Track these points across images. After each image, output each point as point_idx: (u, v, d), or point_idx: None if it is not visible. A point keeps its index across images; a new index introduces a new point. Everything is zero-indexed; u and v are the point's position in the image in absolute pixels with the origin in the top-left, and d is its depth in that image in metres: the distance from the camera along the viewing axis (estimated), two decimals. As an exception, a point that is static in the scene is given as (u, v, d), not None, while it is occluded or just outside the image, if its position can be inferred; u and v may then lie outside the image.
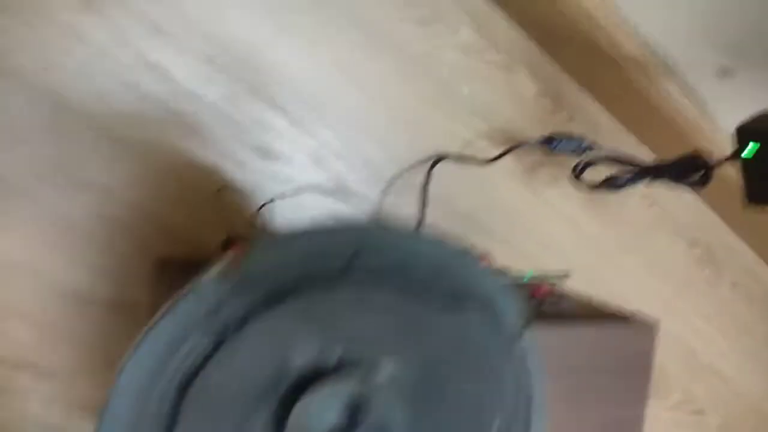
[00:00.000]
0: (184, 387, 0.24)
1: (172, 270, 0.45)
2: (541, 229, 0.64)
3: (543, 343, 0.39)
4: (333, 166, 0.54)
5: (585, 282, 0.67)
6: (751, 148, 0.45)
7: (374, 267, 0.26)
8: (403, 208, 0.57)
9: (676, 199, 0.71)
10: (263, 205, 0.48)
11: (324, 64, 0.52)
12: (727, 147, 0.46)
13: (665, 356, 0.74)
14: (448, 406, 0.30)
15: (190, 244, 0.49)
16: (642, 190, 0.69)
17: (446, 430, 0.30)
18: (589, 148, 0.54)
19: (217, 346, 0.24)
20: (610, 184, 0.53)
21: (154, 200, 0.47)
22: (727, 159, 0.48)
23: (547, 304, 0.46)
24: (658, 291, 0.73)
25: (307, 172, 0.53)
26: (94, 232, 0.46)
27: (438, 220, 0.59)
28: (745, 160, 0.46)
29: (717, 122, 0.59)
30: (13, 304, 0.45)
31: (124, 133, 0.47)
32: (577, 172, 0.55)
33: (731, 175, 0.64)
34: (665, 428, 0.75)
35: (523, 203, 0.62)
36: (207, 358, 0.24)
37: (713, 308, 0.77)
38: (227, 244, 0.43)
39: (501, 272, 0.29)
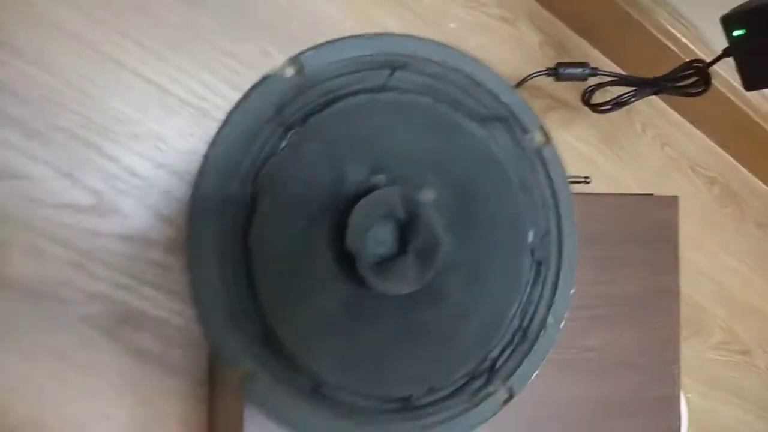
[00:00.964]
0: (260, 174, 0.28)
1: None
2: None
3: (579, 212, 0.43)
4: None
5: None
6: (737, 34, 0.49)
7: (409, 83, 0.31)
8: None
9: (686, 139, 0.75)
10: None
11: (338, 15, 0.58)
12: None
13: (701, 295, 0.75)
14: (484, 224, 0.33)
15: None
16: (653, 131, 0.73)
17: (486, 245, 0.33)
18: (593, 72, 0.58)
19: (284, 139, 0.28)
20: (617, 101, 0.58)
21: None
22: (720, 56, 0.52)
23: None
24: (684, 229, 0.75)
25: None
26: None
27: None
28: (735, 48, 0.50)
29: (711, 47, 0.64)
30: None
31: None
32: (587, 97, 0.59)
33: (741, 114, 0.68)
34: (714, 368, 0.76)
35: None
36: (279, 149, 0.28)
37: (742, 246, 0.79)
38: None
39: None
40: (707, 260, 0.76)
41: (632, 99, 0.57)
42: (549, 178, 0.33)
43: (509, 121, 0.33)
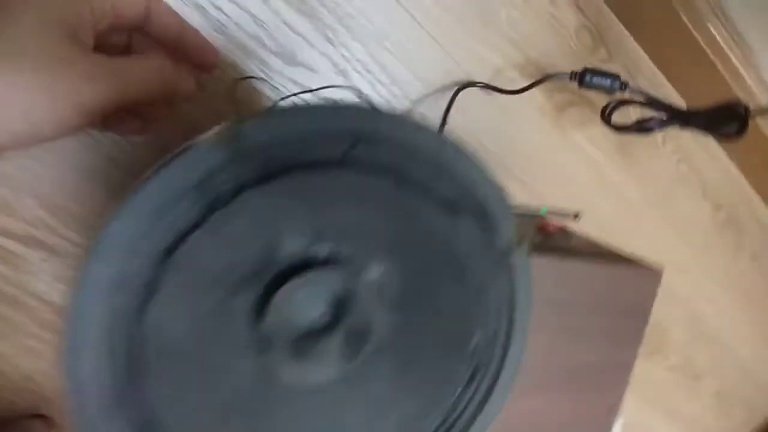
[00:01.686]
0: (170, 252, 0.24)
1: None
2: (563, 171, 0.63)
3: (543, 275, 0.39)
4: (357, 80, 0.53)
5: (601, 231, 0.66)
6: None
7: (373, 159, 0.26)
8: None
9: (707, 160, 0.69)
10: (279, 100, 0.47)
11: None
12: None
13: (671, 317, 0.73)
14: (430, 315, 0.30)
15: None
16: (674, 145, 0.67)
17: (426, 337, 0.30)
18: (623, 87, 0.51)
19: (206, 215, 0.24)
20: (639, 126, 0.52)
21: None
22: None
23: (555, 239, 0.45)
24: (674, 250, 0.71)
25: (329, 82, 0.52)
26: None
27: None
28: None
29: (762, 74, 0.56)
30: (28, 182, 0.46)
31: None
32: (608, 112, 0.53)
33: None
34: (660, 387, 0.76)
35: (547, 142, 0.61)
36: (195, 226, 0.24)
37: (729, 277, 0.76)
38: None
39: (505, 192, 0.28)
40: (688, 285, 0.73)
41: (657, 129, 0.51)
42: (511, 282, 0.30)
43: (480, 216, 0.28)
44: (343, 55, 0.52)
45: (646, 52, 0.61)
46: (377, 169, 0.26)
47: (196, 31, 0.39)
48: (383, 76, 0.53)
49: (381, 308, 0.29)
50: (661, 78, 0.63)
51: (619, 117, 0.54)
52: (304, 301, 0.29)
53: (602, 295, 0.41)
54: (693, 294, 0.74)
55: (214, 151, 0.23)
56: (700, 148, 0.68)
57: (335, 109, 0.24)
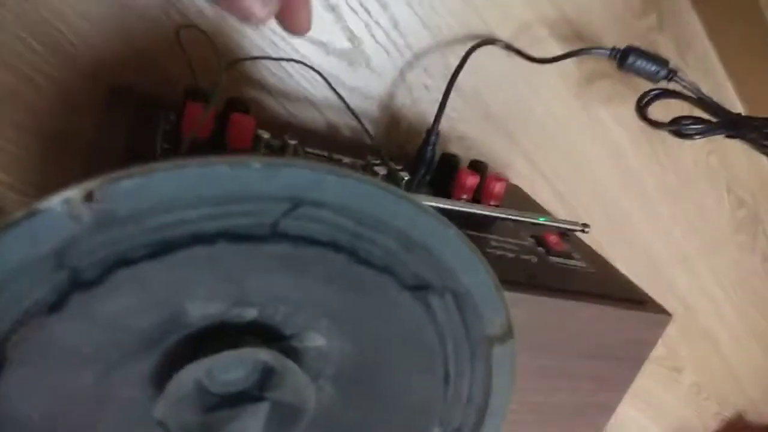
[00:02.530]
0: (12, 331, 0.17)
1: (126, 99, 0.37)
2: (578, 150, 0.54)
3: (535, 316, 0.33)
4: (351, 21, 0.43)
5: (610, 218, 0.59)
6: None
7: (316, 232, 0.18)
8: (427, 93, 0.47)
9: (742, 155, 0.60)
10: (240, 60, 0.38)
11: None
12: None
13: (663, 311, 0.68)
14: (381, 399, 0.24)
15: (148, 76, 0.40)
16: (710, 132, 0.58)
17: (373, 425, 0.24)
18: (669, 76, 0.42)
19: (64, 296, 0.17)
20: (677, 129, 0.43)
21: (111, 31, 0.38)
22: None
23: (556, 254, 0.38)
24: (683, 243, 0.65)
25: (316, 22, 0.42)
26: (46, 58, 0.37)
27: (462, 115, 0.49)
28: None
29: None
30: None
31: None
32: (645, 101, 0.44)
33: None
34: (639, 377, 0.72)
35: (566, 116, 0.52)
36: (51, 309, 0.17)
37: (733, 276, 0.70)
38: (190, 94, 0.34)
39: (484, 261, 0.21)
40: (689, 281, 0.67)
41: (697, 135, 0.43)
42: (488, 376, 0.23)
43: (460, 298, 0.21)
44: (335, -13, 0.42)
45: (705, 27, 0.51)
46: (323, 244, 0.19)
47: None
48: (383, 18, 0.44)
49: (321, 383, 0.23)
50: (714, 61, 0.53)
51: (658, 109, 0.45)
52: (221, 369, 0.23)
53: (598, 339, 0.35)
54: (691, 288, 0.68)
55: (70, 220, 0.15)
56: (739, 145, 0.59)
57: (264, 170, 0.16)
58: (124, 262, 0.17)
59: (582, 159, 0.55)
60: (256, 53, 0.41)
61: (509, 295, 0.32)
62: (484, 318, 0.22)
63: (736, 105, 0.57)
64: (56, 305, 0.17)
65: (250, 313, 0.21)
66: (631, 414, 0.76)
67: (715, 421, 0.83)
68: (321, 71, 0.43)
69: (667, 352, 0.72)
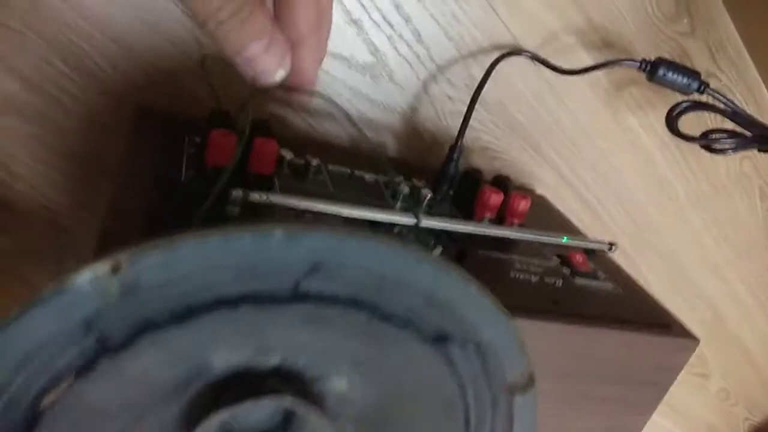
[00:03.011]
0: (44, 392, 0.18)
1: (153, 120, 0.38)
2: (606, 158, 0.53)
3: (560, 341, 0.33)
4: (373, 35, 0.42)
5: (638, 226, 0.58)
6: None
7: (337, 291, 0.18)
8: (450, 104, 0.47)
9: (779, 161, 0.58)
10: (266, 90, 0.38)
11: None
12: None
13: (692, 316, 0.67)
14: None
15: (175, 97, 0.40)
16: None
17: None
18: (701, 89, 0.41)
19: (92, 360, 0.17)
20: (709, 143, 0.42)
21: (140, 53, 0.38)
22: None
23: (581, 275, 0.37)
24: (714, 250, 0.63)
25: (338, 36, 0.42)
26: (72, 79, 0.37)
27: (486, 126, 0.48)
28: None
29: None
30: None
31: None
32: (676, 113, 0.43)
33: None
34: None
35: (594, 124, 0.51)
36: (79, 372, 0.17)
37: (765, 283, 0.68)
38: (213, 121, 0.34)
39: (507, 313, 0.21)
40: (719, 288, 0.66)
41: (730, 149, 0.41)
42: (510, 425, 0.23)
43: (482, 348, 0.21)
44: (358, 0, 0.41)
45: (738, 31, 0.49)
46: (344, 302, 0.19)
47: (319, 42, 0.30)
48: (406, 30, 0.43)
49: (341, 424, 0.23)
50: (748, 66, 0.52)
51: (690, 118, 0.44)
52: (244, 412, 0.23)
53: (624, 364, 0.35)
54: (721, 295, 0.67)
55: (98, 294, 0.16)
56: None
57: (286, 239, 0.16)
58: (150, 326, 0.17)
59: (610, 167, 0.54)
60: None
61: (534, 324, 0.32)
62: (506, 368, 0.22)
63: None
64: (85, 368, 0.17)
65: (273, 360, 0.21)
66: (658, 420, 0.75)
67: (744, 427, 0.81)
68: (343, 85, 0.43)
69: (695, 358, 0.71)
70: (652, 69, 0.41)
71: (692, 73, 0.41)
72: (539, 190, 0.53)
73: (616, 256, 0.58)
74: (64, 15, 0.36)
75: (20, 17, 0.36)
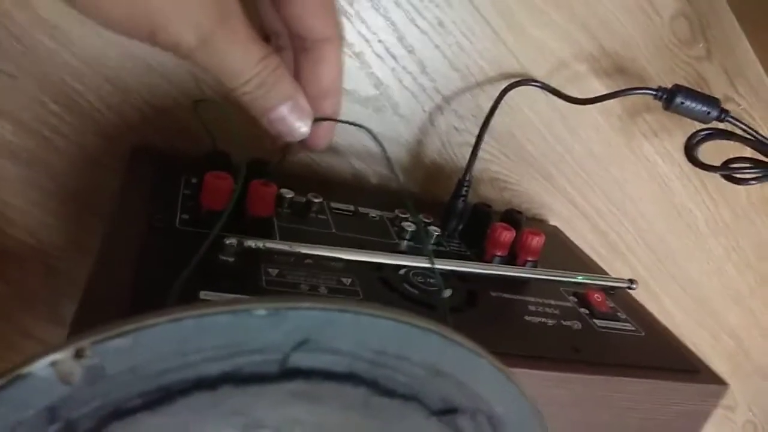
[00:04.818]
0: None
1: (148, 159, 0.36)
2: (621, 187, 0.51)
3: (581, 391, 0.30)
4: (376, 67, 0.41)
5: (657, 255, 0.56)
6: None
7: (333, 359, 0.16)
8: (458, 135, 0.45)
9: (803, 185, 0.56)
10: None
11: None
12: None
13: (715, 348, 0.64)
14: None
15: (170, 136, 0.39)
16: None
17: None
18: (721, 117, 0.39)
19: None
20: (730, 174, 0.40)
21: (134, 91, 0.37)
22: None
23: (600, 317, 0.35)
24: (737, 279, 0.61)
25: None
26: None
27: (496, 157, 0.47)
28: None
29: None
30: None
31: None
32: (694, 143, 0.41)
33: None
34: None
35: (608, 153, 0.49)
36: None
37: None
38: (209, 163, 0.32)
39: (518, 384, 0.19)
40: (742, 317, 0.63)
41: (753, 180, 0.39)
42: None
43: (494, 420, 0.19)
44: (360, 33, 0.40)
45: (757, 54, 0.47)
46: (340, 377, 0.17)
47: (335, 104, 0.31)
48: (410, 62, 0.42)
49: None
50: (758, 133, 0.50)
51: (709, 146, 0.41)
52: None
53: (648, 413, 0.32)
54: (745, 324, 0.64)
55: (60, 381, 0.14)
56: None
57: (269, 316, 0.14)
58: (120, 413, 0.15)
59: (625, 197, 0.52)
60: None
61: (553, 375, 0.30)
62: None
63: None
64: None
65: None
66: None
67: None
68: (347, 119, 0.42)
69: (720, 390, 0.68)
70: (669, 97, 0.39)
71: (711, 101, 0.39)
72: (552, 221, 0.51)
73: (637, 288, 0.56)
74: (56, 55, 0.35)
75: (13, 60, 0.35)
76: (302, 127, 0.29)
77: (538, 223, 0.49)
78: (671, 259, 0.56)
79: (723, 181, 0.52)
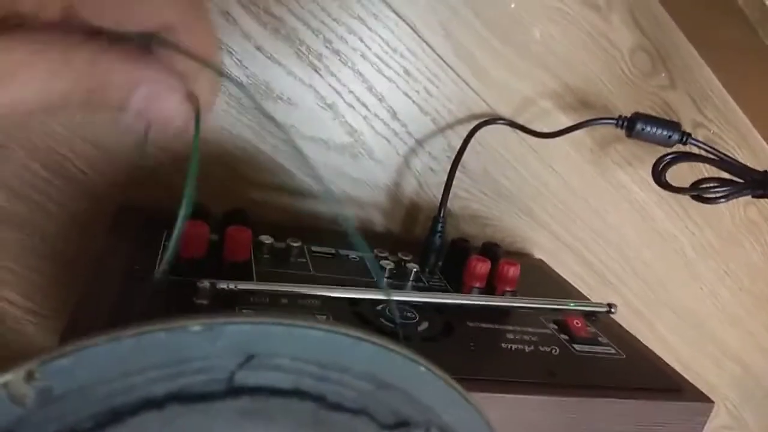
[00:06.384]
0: None
1: (134, 217, 0.38)
2: (601, 217, 0.52)
3: (559, 415, 0.30)
4: (349, 116, 0.43)
5: (647, 283, 0.56)
6: None
7: (278, 376, 0.17)
8: (434, 176, 0.47)
9: (784, 204, 0.57)
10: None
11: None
12: None
13: (718, 374, 0.63)
14: None
15: (156, 193, 0.41)
16: (743, 185, 0.55)
17: None
18: (683, 139, 0.40)
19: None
20: (699, 194, 0.41)
21: (120, 154, 0.39)
22: None
23: (580, 341, 0.36)
24: (733, 302, 0.60)
25: (314, 121, 0.42)
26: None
27: (473, 195, 0.48)
28: None
29: None
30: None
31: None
32: (661, 168, 0.42)
33: None
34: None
35: (584, 184, 0.50)
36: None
37: (795, 331, 0.64)
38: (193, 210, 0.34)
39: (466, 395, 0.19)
40: (744, 341, 0.63)
41: (722, 198, 0.40)
42: None
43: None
44: (331, 86, 0.42)
45: (721, 80, 0.49)
46: (285, 393, 0.17)
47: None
48: (381, 109, 0.44)
49: None
50: (736, 113, 0.51)
51: (684, 169, 0.43)
52: None
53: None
54: (748, 348, 0.63)
55: (14, 403, 0.15)
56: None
57: (204, 331, 0.15)
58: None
59: (607, 226, 0.52)
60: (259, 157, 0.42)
61: (527, 399, 0.30)
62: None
63: (766, 153, 0.54)
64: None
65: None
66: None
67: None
68: (324, 167, 0.43)
69: (732, 419, 0.66)
70: (629, 125, 0.40)
71: (672, 125, 0.40)
72: (538, 254, 0.51)
73: (631, 318, 0.56)
74: (43, 124, 0.37)
75: (2, 130, 0.37)
76: (176, 115, 0.22)
77: (524, 257, 0.50)
78: (662, 286, 0.57)
79: (705, 205, 0.53)
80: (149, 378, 0.16)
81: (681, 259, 0.56)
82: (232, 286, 0.30)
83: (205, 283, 0.29)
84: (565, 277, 0.47)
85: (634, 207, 0.53)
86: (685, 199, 0.54)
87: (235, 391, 0.17)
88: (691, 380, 0.58)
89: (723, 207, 0.55)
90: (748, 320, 0.62)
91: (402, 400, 0.19)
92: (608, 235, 0.53)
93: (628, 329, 0.40)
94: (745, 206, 0.56)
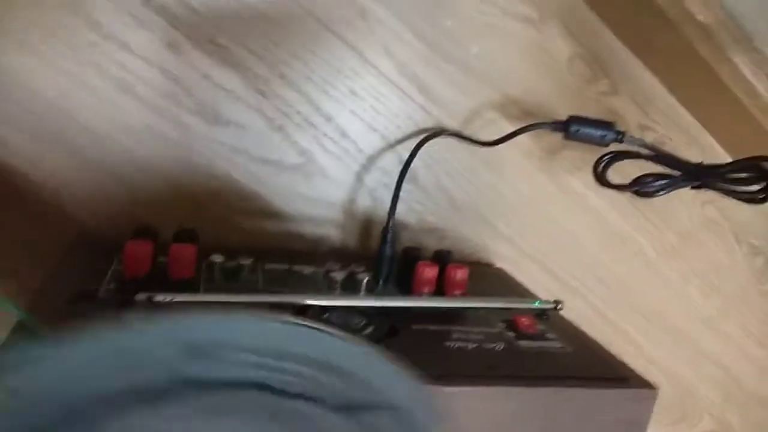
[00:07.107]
0: None
1: (88, 246, 0.39)
2: (557, 223, 0.53)
3: (501, 406, 0.31)
4: (299, 137, 0.45)
5: (610, 287, 0.57)
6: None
7: (220, 371, 0.18)
8: (387, 191, 0.48)
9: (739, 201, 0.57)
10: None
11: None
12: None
13: (697, 377, 0.63)
14: None
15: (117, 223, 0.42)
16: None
17: None
18: (619, 138, 0.42)
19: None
20: (640, 188, 0.42)
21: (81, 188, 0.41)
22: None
23: (526, 338, 0.36)
24: (703, 303, 0.61)
25: (265, 143, 0.44)
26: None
27: (428, 208, 0.49)
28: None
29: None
30: None
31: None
32: (601, 168, 0.43)
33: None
34: (689, 456, 0.65)
35: (536, 192, 0.51)
36: None
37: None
38: (137, 233, 0.35)
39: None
40: (720, 341, 0.62)
41: (661, 191, 0.41)
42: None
43: (397, 413, 0.20)
44: (278, 108, 0.44)
45: (663, 83, 0.51)
46: (230, 385, 0.18)
47: None
48: (330, 128, 0.45)
49: None
50: (682, 114, 0.53)
51: (622, 169, 0.44)
52: None
53: (579, 423, 0.32)
54: (725, 350, 0.63)
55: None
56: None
57: (144, 329, 0.16)
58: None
59: (563, 231, 0.53)
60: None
61: (463, 390, 0.30)
62: (425, 429, 0.21)
63: (719, 152, 0.55)
64: None
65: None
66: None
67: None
68: (277, 188, 0.45)
69: (717, 424, 0.66)
70: (564, 127, 0.42)
71: (605, 125, 0.42)
72: (499, 264, 0.52)
73: (598, 323, 0.56)
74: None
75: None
76: None
77: (483, 266, 0.51)
78: (627, 290, 0.57)
79: (658, 205, 0.54)
80: (102, 375, 0.17)
81: (642, 261, 0.57)
82: (169, 298, 0.30)
83: (142, 297, 0.30)
84: (527, 285, 0.47)
85: (588, 212, 0.54)
86: (641, 200, 0.55)
87: (182, 385, 0.18)
88: (671, 386, 0.58)
89: (677, 207, 0.56)
90: (721, 321, 0.62)
91: (350, 383, 0.20)
92: (565, 241, 0.53)
93: (568, 321, 0.40)
94: (702, 205, 0.57)
